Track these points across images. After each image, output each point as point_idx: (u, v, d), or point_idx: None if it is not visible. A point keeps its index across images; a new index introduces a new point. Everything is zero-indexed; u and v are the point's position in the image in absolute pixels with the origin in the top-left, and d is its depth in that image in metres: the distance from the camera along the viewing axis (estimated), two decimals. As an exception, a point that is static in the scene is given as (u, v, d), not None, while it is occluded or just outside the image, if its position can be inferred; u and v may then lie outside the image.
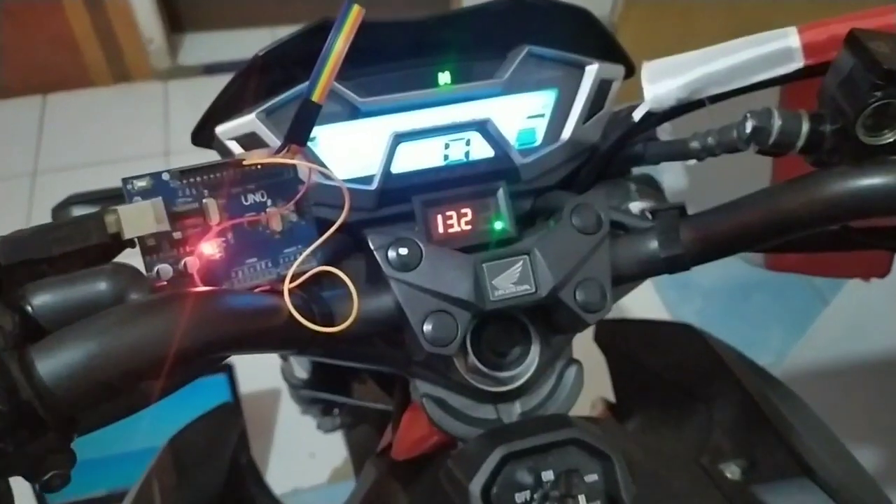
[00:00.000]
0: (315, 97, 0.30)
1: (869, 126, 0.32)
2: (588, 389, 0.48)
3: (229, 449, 0.56)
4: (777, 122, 0.34)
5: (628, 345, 0.65)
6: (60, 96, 2.04)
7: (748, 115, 0.35)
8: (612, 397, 0.69)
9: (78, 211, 0.48)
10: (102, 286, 0.27)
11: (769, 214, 0.34)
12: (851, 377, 1.01)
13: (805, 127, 0.34)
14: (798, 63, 0.36)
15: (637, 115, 0.41)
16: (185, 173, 0.31)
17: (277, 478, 1.31)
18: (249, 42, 2.21)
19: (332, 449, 1.29)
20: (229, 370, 1.14)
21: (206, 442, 0.55)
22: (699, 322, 1.68)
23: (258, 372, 1.28)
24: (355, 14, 0.30)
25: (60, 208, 0.48)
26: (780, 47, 0.36)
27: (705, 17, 1.80)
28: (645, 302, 1.61)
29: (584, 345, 0.52)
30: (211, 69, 2.14)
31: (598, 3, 1.69)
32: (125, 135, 1.96)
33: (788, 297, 1.65)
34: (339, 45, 0.30)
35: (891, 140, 0.32)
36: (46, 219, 0.32)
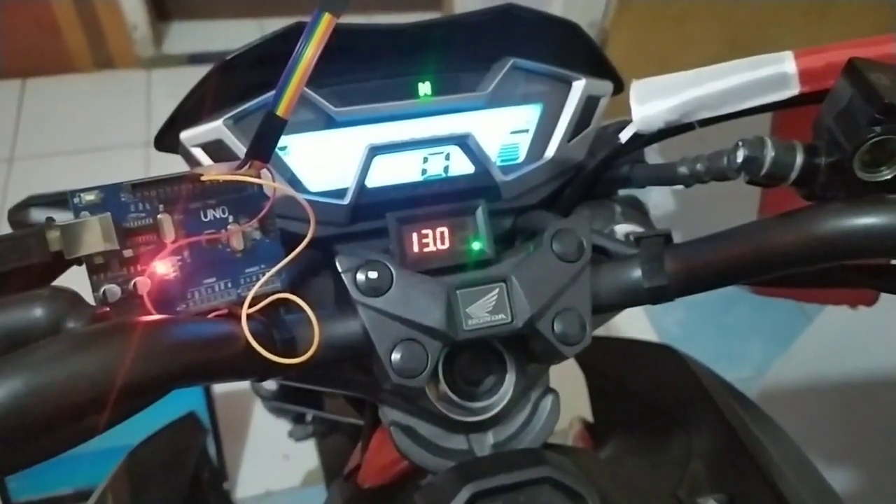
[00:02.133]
0: (280, 111, 0.28)
1: (866, 161, 0.30)
2: (567, 407, 0.46)
3: (191, 463, 0.54)
4: (770, 153, 0.32)
5: (608, 364, 0.63)
6: (40, 81, 1.99)
7: (740, 143, 0.33)
8: (590, 416, 0.67)
9: (37, 214, 0.45)
10: (38, 313, 0.25)
11: (758, 249, 0.33)
12: (831, 397, 1.01)
13: (799, 159, 0.32)
14: (793, 90, 0.35)
15: (624, 137, 0.39)
16: (137, 187, 0.29)
17: (250, 479, 1.29)
18: (236, 32, 2.18)
19: (305, 451, 1.27)
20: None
21: (166, 456, 0.53)
22: (681, 332, 1.67)
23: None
24: (326, 23, 0.28)
25: (17, 210, 0.45)
26: (776, 72, 0.35)
27: (699, 23, 1.79)
28: (627, 312, 1.60)
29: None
30: (196, 59, 2.11)
31: (590, 7, 1.68)
32: (106, 123, 1.92)
33: (770, 310, 1.65)
34: (308, 56, 0.28)
35: (888, 177, 0.30)
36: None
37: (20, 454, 0.22)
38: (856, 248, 0.30)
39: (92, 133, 1.89)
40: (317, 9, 0.28)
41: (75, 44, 1.98)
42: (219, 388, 1.18)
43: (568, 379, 0.41)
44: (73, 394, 0.22)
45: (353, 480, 0.46)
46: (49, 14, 1.89)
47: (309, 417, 0.95)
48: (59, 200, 0.47)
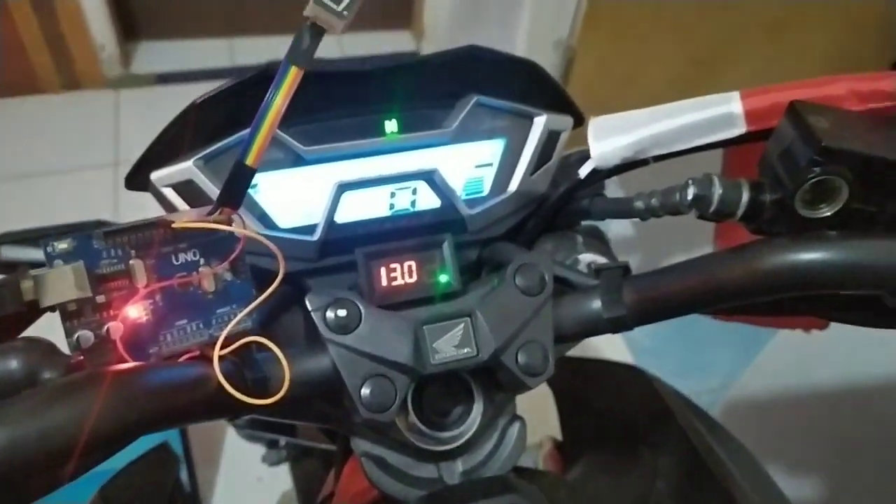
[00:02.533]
0: (249, 161, 0.29)
1: (807, 200, 0.32)
2: (537, 427, 0.47)
3: (165, 496, 0.54)
4: (718, 191, 0.34)
5: (576, 385, 0.65)
6: (6, 102, 1.97)
7: (690, 181, 0.35)
8: (559, 435, 0.69)
9: (7, 251, 0.46)
10: (13, 364, 0.25)
11: (709, 282, 0.34)
12: (793, 410, 1.03)
13: (745, 196, 0.34)
14: (740, 129, 0.37)
15: (583, 172, 0.41)
16: (110, 234, 0.30)
17: (224, 503, 1.28)
18: (204, 52, 2.17)
19: (279, 474, 1.26)
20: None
21: (139, 490, 0.53)
22: (650, 344, 1.69)
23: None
24: (293, 74, 0.29)
25: (-12, 248, 0.46)
26: (723, 112, 0.37)
27: (663, 41, 1.83)
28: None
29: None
30: (164, 78, 2.10)
31: (556, 27, 1.71)
32: (74, 144, 1.90)
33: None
34: (276, 106, 0.29)
35: (827, 214, 0.32)
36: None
37: (10, 498, 0.22)
38: (798, 281, 0.32)
39: (60, 154, 1.87)
40: (284, 60, 0.29)
41: (41, 64, 1.96)
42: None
43: (539, 398, 0.42)
44: (49, 445, 0.22)
45: (327, 509, 0.47)
46: (14, 34, 1.87)
47: (282, 442, 0.95)
48: (30, 238, 0.47)
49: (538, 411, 0.42)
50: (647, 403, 0.56)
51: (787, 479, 0.52)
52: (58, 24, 1.90)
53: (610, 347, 1.56)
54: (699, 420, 0.53)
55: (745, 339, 1.64)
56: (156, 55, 2.15)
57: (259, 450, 1.12)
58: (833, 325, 0.89)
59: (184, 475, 1.14)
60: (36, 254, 0.47)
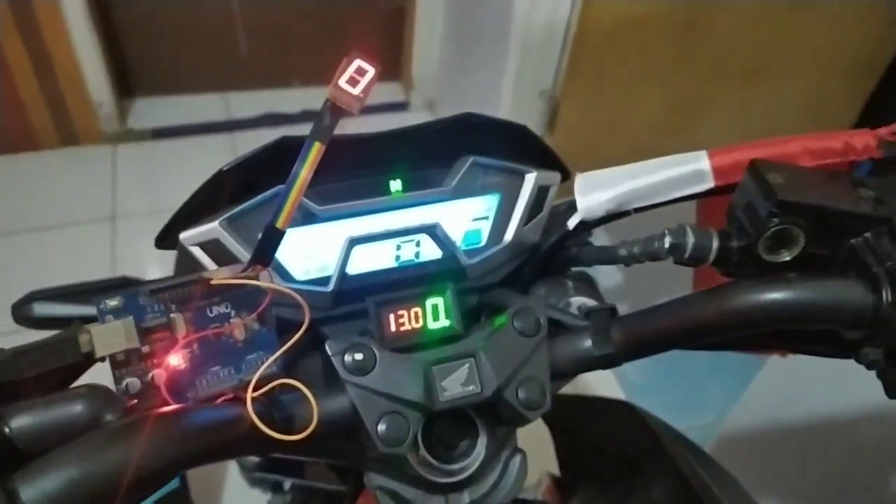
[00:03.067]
0: (280, 224, 0.33)
1: (769, 246, 0.37)
2: (536, 463, 0.51)
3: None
4: (691, 239, 0.38)
5: (572, 421, 0.68)
6: (6, 159, 2.01)
7: (666, 231, 0.39)
8: (557, 471, 0.72)
9: (39, 308, 0.49)
10: (78, 409, 0.29)
11: (685, 321, 0.38)
12: (781, 442, 1.07)
13: (715, 244, 0.38)
14: (709, 184, 0.41)
15: (571, 224, 0.45)
16: (154, 292, 0.34)
17: (224, 553, 1.28)
18: (200, 107, 2.23)
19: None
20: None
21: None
22: (643, 382, 1.72)
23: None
24: (316, 150, 0.33)
25: (21, 305, 0.49)
26: (693, 169, 0.41)
27: (643, 89, 1.90)
28: (591, 364, 1.65)
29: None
30: (160, 133, 2.15)
31: (540, 77, 1.78)
32: (72, 199, 1.94)
33: (728, 357, 1.71)
34: (302, 176, 0.33)
35: (788, 258, 0.37)
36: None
37: None
38: (764, 318, 0.36)
39: (58, 209, 1.90)
40: (308, 139, 0.33)
41: (40, 122, 2.01)
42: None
43: (537, 437, 0.45)
44: (117, 477, 0.26)
45: (341, 544, 0.50)
46: (14, 93, 1.93)
47: (287, 486, 0.97)
48: (59, 295, 0.51)
49: (536, 449, 0.45)
50: (639, 437, 0.60)
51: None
52: (56, 82, 1.96)
53: (603, 385, 1.59)
54: (689, 451, 0.56)
55: (734, 375, 1.68)
56: (152, 111, 2.21)
57: (258, 497, 1.13)
58: (812, 357, 0.92)
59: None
60: (66, 309, 0.50)
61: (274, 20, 2.18)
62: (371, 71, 0.33)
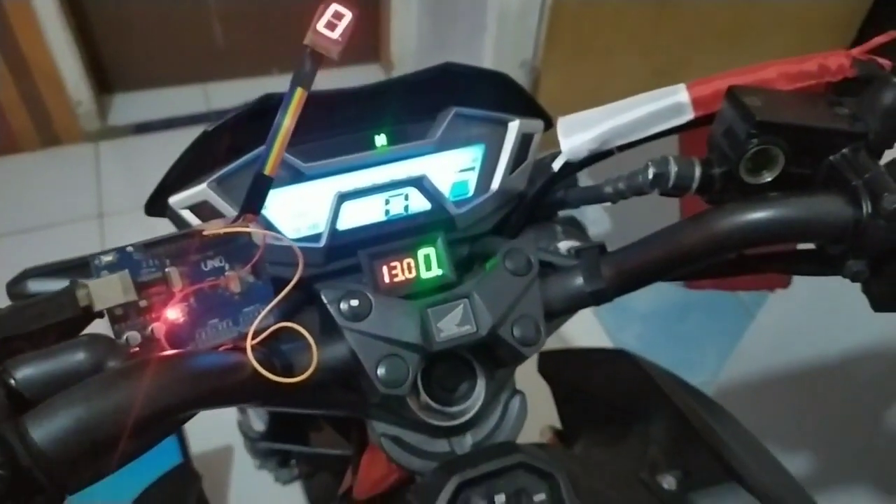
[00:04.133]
0: (267, 171, 0.34)
1: (750, 168, 0.37)
2: (537, 418, 0.51)
3: (192, 505, 0.57)
4: (674, 169, 0.39)
5: (569, 373, 0.69)
6: (-13, 164, 2.00)
7: (649, 163, 0.40)
8: (558, 424, 0.73)
9: (34, 285, 0.49)
10: (81, 357, 0.29)
11: (673, 249, 0.39)
12: (778, 388, 1.08)
13: (697, 171, 0.39)
14: (689, 115, 0.42)
15: (556, 166, 0.45)
16: (148, 246, 0.34)
17: (234, 536, 1.29)
18: (180, 99, 2.22)
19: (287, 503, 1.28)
20: (178, 430, 1.13)
21: (168, 501, 0.56)
22: (639, 346, 1.74)
23: (209, 430, 1.27)
24: (299, 96, 0.34)
25: (15, 283, 0.49)
26: (673, 102, 0.42)
27: (624, 55, 1.91)
28: (587, 330, 1.67)
29: (530, 377, 0.56)
30: (142, 128, 2.14)
31: (520, 48, 1.78)
32: (57, 199, 1.93)
33: (721, 316, 1.74)
34: (286, 124, 0.34)
35: (769, 179, 0.37)
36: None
37: (85, 472, 0.26)
38: (748, 238, 0.37)
39: (44, 210, 1.89)
40: (290, 84, 0.33)
41: (20, 124, 1.99)
42: (195, 449, 1.20)
43: (535, 394, 0.46)
44: (123, 416, 0.26)
45: (348, 498, 0.50)
46: (-9, 97, 1.91)
47: (293, 461, 0.98)
48: (54, 270, 0.51)
49: (536, 404, 0.46)
50: (636, 381, 0.61)
51: (775, 449, 0.57)
52: (34, 83, 1.94)
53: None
54: (683, 389, 0.58)
55: (728, 333, 1.70)
56: (132, 106, 2.19)
57: (265, 480, 1.14)
58: (803, 303, 0.94)
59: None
60: (61, 285, 0.50)
61: (248, 8, 2.17)
62: (348, 15, 0.34)
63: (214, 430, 1.27)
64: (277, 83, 2.25)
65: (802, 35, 2.01)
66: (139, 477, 0.59)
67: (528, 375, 0.50)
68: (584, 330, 1.67)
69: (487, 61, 1.79)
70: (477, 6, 1.78)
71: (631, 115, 0.42)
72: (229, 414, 0.91)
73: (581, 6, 1.73)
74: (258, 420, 0.82)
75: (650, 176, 0.40)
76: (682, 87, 0.42)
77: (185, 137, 0.40)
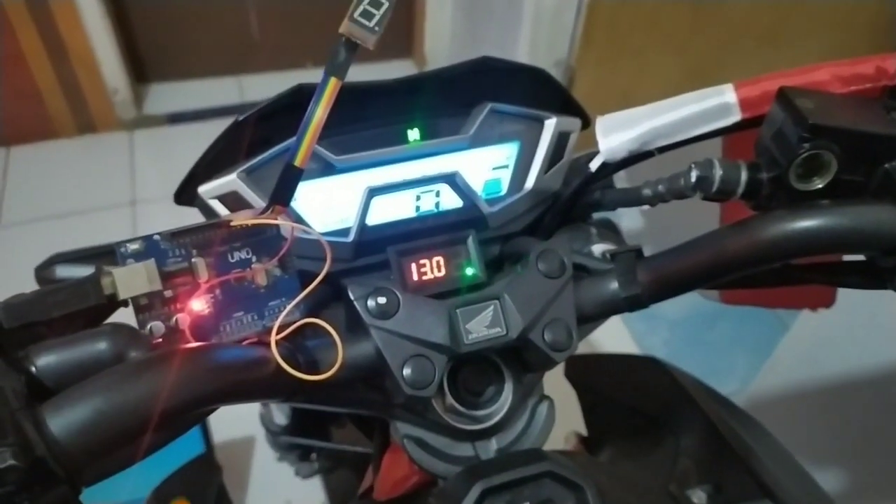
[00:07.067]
0: (297, 162, 0.33)
1: (800, 174, 0.36)
2: (561, 424, 0.50)
3: (212, 495, 0.57)
4: (718, 172, 0.37)
5: (597, 379, 0.67)
6: (24, 148, 2.03)
7: (693, 165, 0.38)
8: (584, 431, 0.71)
9: (61, 270, 0.49)
10: (103, 346, 0.29)
11: (716, 256, 0.37)
12: (811, 401, 1.05)
13: (744, 175, 0.37)
14: (735, 117, 0.40)
15: (594, 166, 0.44)
16: (175, 235, 0.33)
17: (254, 527, 1.29)
18: (214, 91, 2.24)
19: (307, 497, 1.28)
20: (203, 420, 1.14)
21: (189, 489, 0.56)
22: (666, 352, 1.72)
23: (231, 421, 1.27)
24: (332, 86, 0.33)
25: (43, 268, 0.49)
26: (719, 103, 0.40)
27: (658, 55, 1.88)
28: (614, 335, 1.65)
29: (556, 381, 0.55)
30: (176, 118, 2.16)
31: (555, 47, 1.76)
32: (91, 185, 1.95)
33: (751, 325, 1.70)
34: (319, 114, 0.33)
35: (820, 186, 0.36)
36: (16, 271, 0.33)
37: (102, 464, 0.26)
38: (797, 248, 0.35)
39: (77, 196, 1.92)
40: (324, 74, 0.32)
41: (57, 110, 2.03)
42: (218, 438, 1.20)
43: (560, 399, 0.45)
44: (143, 408, 0.26)
45: (369, 498, 0.50)
46: (31, 82, 1.94)
47: (314, 456, 0.97)
48: (82, 256, 0.51)
49: (562, 410, 0.45)
50: (666, 390, 0.59)
51: (810, 467, 0.55)
52: (72, 70, 1.97)
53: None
54: (715, 400, 0.56)
55: (758, 341, 1.67)
56: (167, 96, 2.22)
57: (286, 472, 1.14)
58: (840, 315, 0.91)
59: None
60: (89, 271, 0.50)
61: (284, 2, 2.17)
62: (386, 4, 0.33)
63: (237, 420, 1.27)
64: (311, 76, 2.25)
65: (844, 37, 1.96)
66: (161, 464, 0.59)
67: (553, 379, 0.49)
68: (610, 334, 1.64)
69: (522, 59, 1.77)
70: (512, 3, 1.76)
71: (674, 115, 0.41)
72: (252, 405, 0.91)
73: (617, 5, 1.70)
74: (280, 414, 0.81)
75: (693, 179, 0.38)
76: (729, 87, 0.40)
77: (219, 128, 0.39)
